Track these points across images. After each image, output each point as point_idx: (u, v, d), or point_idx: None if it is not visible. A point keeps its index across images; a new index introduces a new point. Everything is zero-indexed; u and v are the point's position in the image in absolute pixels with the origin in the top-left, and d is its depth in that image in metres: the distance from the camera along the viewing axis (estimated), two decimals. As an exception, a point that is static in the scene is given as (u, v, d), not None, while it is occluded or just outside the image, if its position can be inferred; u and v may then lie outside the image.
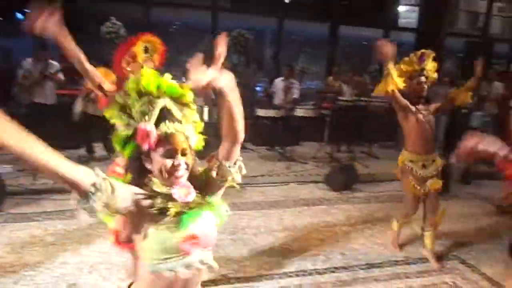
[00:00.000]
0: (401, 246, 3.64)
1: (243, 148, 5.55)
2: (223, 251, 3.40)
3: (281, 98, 7.01)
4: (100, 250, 3.26)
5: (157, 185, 1.30)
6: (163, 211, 1.26)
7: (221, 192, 1.44)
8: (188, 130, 1.37)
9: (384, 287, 3.01)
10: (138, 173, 1.34)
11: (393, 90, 2.98)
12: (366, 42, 12.40)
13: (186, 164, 1.32)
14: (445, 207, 3.43)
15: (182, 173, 1.31)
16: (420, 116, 3.12)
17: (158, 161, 1.30)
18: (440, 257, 3.46)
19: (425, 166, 3.18)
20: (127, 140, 1.36)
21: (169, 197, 1.28)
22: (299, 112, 6.57)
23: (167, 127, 1.31)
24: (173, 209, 1.27)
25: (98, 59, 6.23)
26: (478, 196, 5.37)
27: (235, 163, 1.38)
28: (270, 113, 6.67)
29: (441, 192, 3.28)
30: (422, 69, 3.09)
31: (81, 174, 1.11)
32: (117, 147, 1.39)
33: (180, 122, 1.35)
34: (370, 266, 3.30)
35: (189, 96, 1.39)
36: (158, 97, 1.34)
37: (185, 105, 1.40)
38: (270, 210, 4.44)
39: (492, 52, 10.34)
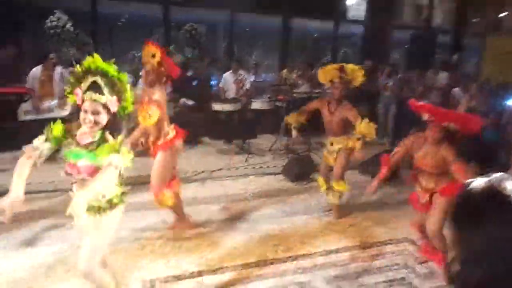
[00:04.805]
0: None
1: (200, 143, 5.53)
2: (185, 247, 3.39)
3: (233, 92, 7.04)
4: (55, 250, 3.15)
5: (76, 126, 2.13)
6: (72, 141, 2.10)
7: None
8: (108, 99, 2.05)
9: (342, 271, 3.13)
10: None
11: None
12: (318, 34, 12.68)
13: (96, 121, 2.05)
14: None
15: (90, 125, 2.05)
16: (330, 111, 4.01)
17: (81, 113, 2.07)
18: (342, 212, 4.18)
19: (332, 144, 4.09)
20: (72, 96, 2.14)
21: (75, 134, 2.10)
22: (255, 105, 6.62)
23: (88, 95, 2.04)
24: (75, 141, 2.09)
25: (40, 55, 5.95)
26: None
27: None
28: (226, 107, 6.67)
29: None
30: (339, 78, 3.88)
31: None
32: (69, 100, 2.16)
33: (102, 93, 2.04)
34: (328, 252, 3.42)
35: (117, 77, 2.07)
36: (94, 75, 2.05)
37: (114, 82, 2.07)
38: (229, 204, 4.46)
39: (435, 42, 10.89)
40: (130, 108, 2.16)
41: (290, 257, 3.32)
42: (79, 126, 2.11)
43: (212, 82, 8.09)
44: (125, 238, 3.49)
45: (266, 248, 3.45)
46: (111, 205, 2.17)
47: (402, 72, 8.71)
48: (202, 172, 5.44)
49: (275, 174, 5.53)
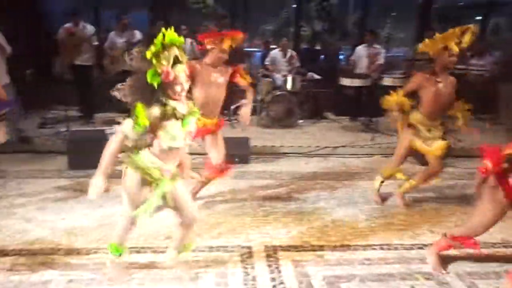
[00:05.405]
0: (383, 198, 3.88)
1: (324, 118, 5.47)
2: (306, 219, 3.44)
3: (365, 66, 6.70)
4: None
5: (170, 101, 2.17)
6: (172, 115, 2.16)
7: None
8: (185, 67, 2.16)
9: (478, 268, 2.81)
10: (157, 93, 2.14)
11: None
12: (464, 2, 11.23)
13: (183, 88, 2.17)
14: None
15: (184, 93, 2.19)
16: (440, 86, 3.30)
17: (173, 86, 2.13)
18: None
19: (430, 131, 3.41)
20: (157, 76, 2.09)
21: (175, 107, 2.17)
22: (386, 81, 6.21)
23: (178, 67, 2.10)
24: (178, 113, 2.17)
25: (183, 29, 6.47)
26: None
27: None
28: (355, 82, 6.42)
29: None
30: (459, 44, 3.19)
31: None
32: (150, 80, 2.09)
33: (182, 63, 2.13)
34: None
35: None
36: (171, 48, 2.06)
37: (181, 49, 2.14)
38: (352, 182, 4.36)
39: None
40: None
41: (416, 244, 3.11)
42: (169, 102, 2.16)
43: (341, 56, 7.85)
44: (249, 204, 3.69)
45: (391, 232, 3.29)
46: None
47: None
48: (325, 147, 5.39)
49: (403, 155, 5.18)
